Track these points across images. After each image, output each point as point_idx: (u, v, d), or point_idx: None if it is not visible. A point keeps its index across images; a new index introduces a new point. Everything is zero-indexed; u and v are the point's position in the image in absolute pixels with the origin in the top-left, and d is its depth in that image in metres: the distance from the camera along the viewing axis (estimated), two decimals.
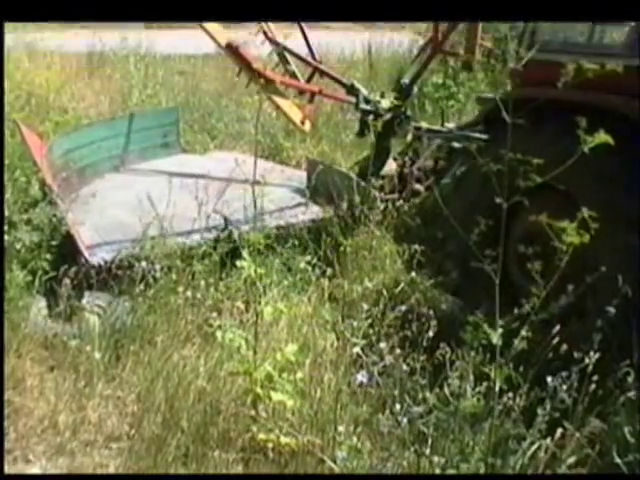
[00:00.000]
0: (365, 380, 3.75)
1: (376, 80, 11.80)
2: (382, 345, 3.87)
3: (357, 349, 4.12)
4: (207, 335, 4.80)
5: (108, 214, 6.73)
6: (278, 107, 7.97)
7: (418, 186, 7.17)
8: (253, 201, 6.03)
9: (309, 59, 8.02)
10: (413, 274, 5.44)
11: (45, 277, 5.32)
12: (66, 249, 5.79)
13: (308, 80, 7.97)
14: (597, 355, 3.49)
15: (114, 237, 6.13)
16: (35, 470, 4.04)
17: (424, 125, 7.48)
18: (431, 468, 3.41)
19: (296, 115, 8.00)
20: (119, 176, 8.09)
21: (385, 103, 7.45)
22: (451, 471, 3.25)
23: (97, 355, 4.59)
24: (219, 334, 4.39)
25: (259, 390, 4.22)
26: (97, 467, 4.02)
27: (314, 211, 6.88)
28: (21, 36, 12.22)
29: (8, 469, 3.96)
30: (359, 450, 3.60)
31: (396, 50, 14.45)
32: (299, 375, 4.26)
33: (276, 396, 4.17)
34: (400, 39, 14.53)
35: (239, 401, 4.30)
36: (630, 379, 3.73)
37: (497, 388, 2.43)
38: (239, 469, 4.02)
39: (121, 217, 6.59)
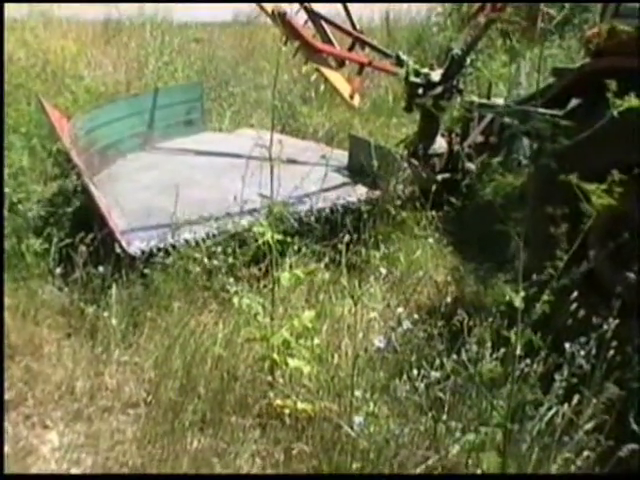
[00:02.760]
0: (383, 345, 3.74)
1: (394, 48, 11.68)
2: (400, 310, 3.85)
3: (374, 314, 4.10)
4: (224, 301, 4.78)
5: (137, 197, 6.28)
6: (326, 79, 7.53)
7: (470, 164, 6.91)
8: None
9: (349, 29, 7.51)
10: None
11: (60, 244, 5.29)
12: (81, 218, 5.74)
13: (348, 51, 7.55)
14: (616, 321, 3.46)
15: (146, 222, 5.68)
16: (53, 435, 4.07)
17: (476, 99, 7.11)
18: (448, 433, 3.41)
19: (345, 89, 7.48)
20: (144, 155, 7.71)
21: (435, 76, 7.04)
22: (470, 436, 3.24)
23: (114, 322, 4.60)
24: (236, 300, 4.39)
25: (276, 356, 4.22)
26: (114, 432, 4.04)
27: (361, 192, 6.45)
28: (35, 6, 12.17)
29: (27, 434, 4.00)
30: (376, 416, 3.59)
31: (413, 18, 14.29)
32: (316, 341, 4.25)
33: (293, 362, 4.17)
34: (418, 7, 14.37)
35: (256, 367, 4.31)
36: None
37: (517, 352, 2.39)
38: (256, 434, 4.02)
39: (151, 200, 6.13)
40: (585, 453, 3.32)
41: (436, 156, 6.93)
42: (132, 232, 5.53)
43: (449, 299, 3.92)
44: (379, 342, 3.76)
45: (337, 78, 7.41)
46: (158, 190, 6.27)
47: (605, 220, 3.87)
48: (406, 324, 3.69)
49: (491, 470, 3.07)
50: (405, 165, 6.37)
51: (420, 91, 6.95)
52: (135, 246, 5.27)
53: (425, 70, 7.09)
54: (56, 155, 6.42)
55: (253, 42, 11.92)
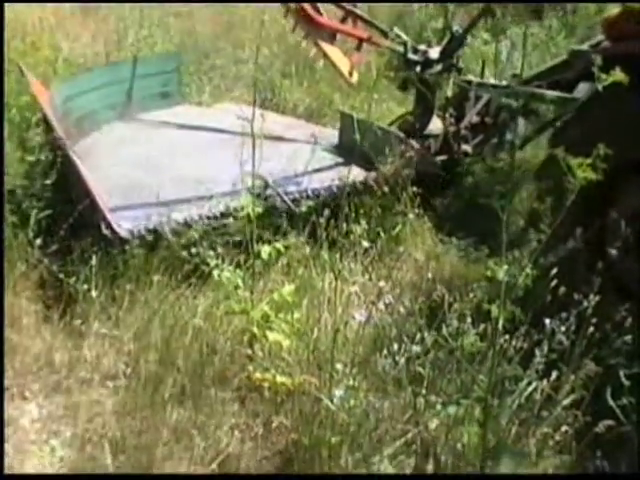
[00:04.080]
0: (363, 319, 3.75)
1: None
2: (381, 284, 3.86)
3: (355, 288, 4.11)
4: (204, 275, 4.77)
5: (117, 172, 5.96)
6: (325, 55, 7.20)
7: (466, 146, 6.71)
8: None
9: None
10: None
11: (40, 216, 5.23)
12: (60, 190, 5.67)
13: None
14: (597, 298, 3.48)
15: (130, 201, 5.41)
16: (32, 407, 4.06)
17: (474, 79, 6.86)
18: (428, 407, 3.43)
19: (345, 65, 7.12)
20: (122, 127, 7.38)
21: (434, 53, 6.78)
22: (450, 409, 3.26)
23: (94, 294, 4.58)
24: (216, 274, 4.38)
25: (255, 330, 4.23)
26: (93, 404, 4.03)
27: (355, 173, 5.91)
28: None
29: (6, 406, 3.98)
30: (356, 389, 3.61)
31: None
32: (296, 315, 4.26)
33: (272, 336, 4.18)
34: None
35: (235, 340, 4.31)
36: (627, 323, 3.73)
37: (500, 326, 2.40)
38: (235, 407, 4.04)
39: (133, 177, 5.83)
40: (563, 428, 3.36)
41: (432, 137, 6.72)
42: (119, 211, 5.22)
43: (430, 275, 3.93)
44: (360, 316, 3.77)
45: (336, 54, 7.17)
46: (139, 166, 6.04)
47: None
48: (387, 298, 3.71)
49: (471, 443, 3.10)
50: (407, 147, 6.09)
51: (418, 69, 6.71)
52: (124, 228, 5.00)
53: (422, 47, 6.88)
54: (35, 126, 6.32)
55: (233, 16, 11.79)
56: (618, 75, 2.58)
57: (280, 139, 6.59)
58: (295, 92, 9.59)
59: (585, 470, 3.43)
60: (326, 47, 7.05)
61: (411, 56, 6.78)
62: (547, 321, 3.44)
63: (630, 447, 3.65)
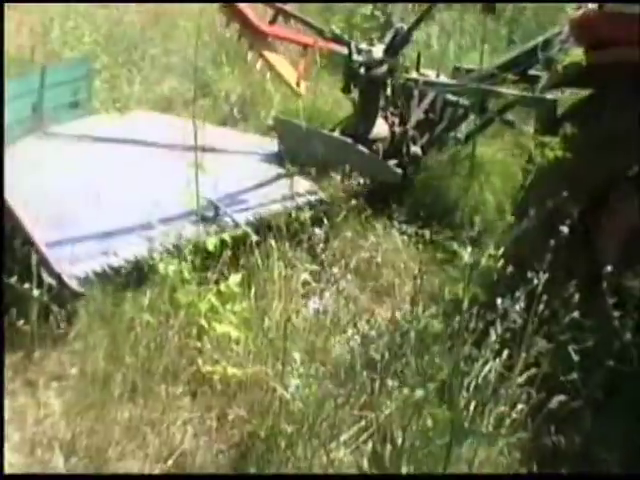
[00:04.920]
0: (317, 306, 3.72)
1: None
2: (335, 270, 3.83)
3: (306, 275, 4.07)
4: (149, 268, 4.67)
5: (43, 201, 4.90)
6: (271, 67, 6.75)
7: (415, 148, 6.34)
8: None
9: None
10: None
11: None
12: None
13: (270, 25, 6.68)
14: (546, 275, 3.50)
15: (64, 235, 4.62)
16: None
17: (420, 76, 6.48)
18: (385, 391, 3.42)
19: (291, 75, 6.68)
20: (35, 144, 6.52)
21: (377, 52, 6.30)
22: (407, 393, 3.26)
23: (35, 292, 4.45)
24: (161, 267, 4.31)
25: (203, 322, 4.18)
26: (41, 406, 3.94)
27: (304, 186, 5.57)
28: None
29: None
30: (311, 377, 3.58)
31: None
32: (244, 305, 4.22)
33: (220, 327, 4.14)
34: None
35: (183, 334, 4.24)
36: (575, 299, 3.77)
37: (465, 306, 2.38)
38: (187, 402, 3.99)
39: (60, 204, 4.95)
40: (519, 406, 3.38)
41: (378, 141, 6.28)
42: (56, 248, 4.49)
43: (380, 259, 3.92)
44: (314, 304, 3.75)
45: (283, 64, 6.78)
46: (63, 190, 5.21)
47: None
48: (341, 284, 3.69)
49: (430, 426, 3.10)
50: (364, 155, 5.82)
51: (362, 70, 6.23)
52: (72, 275, 4.39)
53: (364, 46, 6.41)
54: None
55: (162, 7, 11.62)
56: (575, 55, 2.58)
57: (216, 151, 6.08)
58: (227, 81, 9.47)
59: (540, 446, 3.47)
60: (271, 57, 6.69)
61: (356, 57, 6.31)
62: (499, 300, 3.45)
63: (583, 422, 3.73)
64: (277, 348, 3.82)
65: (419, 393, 3.16)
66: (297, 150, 5.80)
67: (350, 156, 5.82)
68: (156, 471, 3.63)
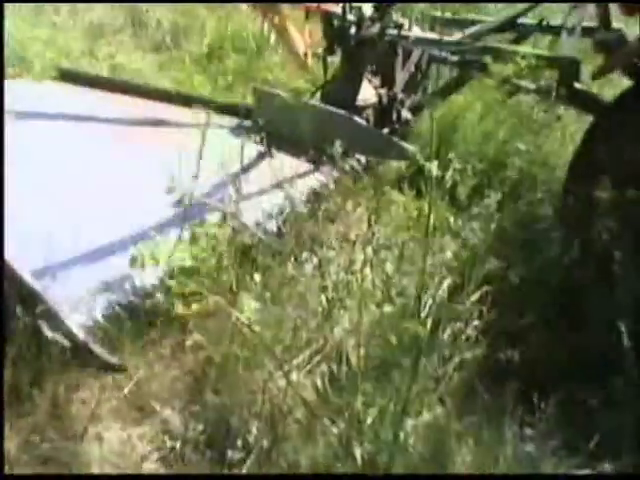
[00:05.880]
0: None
1: None
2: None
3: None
4: None
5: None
6: (281, 33, 6.14)
7: (405, 112, 5.73)
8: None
9: None
10: None
11: None
12: None
13: None
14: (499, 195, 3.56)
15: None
16: None
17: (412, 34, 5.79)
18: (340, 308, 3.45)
19: (300, 45, 6.03)
20: None
21: (367, 9, 5.70)
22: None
23: None
24: None
25: None
26: None
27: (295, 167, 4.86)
28: None
29: None
30: (266, 299, 3.60)
31: None
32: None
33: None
34: None
35: None
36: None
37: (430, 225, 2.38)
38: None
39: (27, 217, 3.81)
40: (474, 323, 3.45)
41: (366, 108, 5.65)
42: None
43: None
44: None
45: (294, 32, 6.09)
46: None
47: None
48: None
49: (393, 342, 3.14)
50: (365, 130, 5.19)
51: (353, 30, 5.60)
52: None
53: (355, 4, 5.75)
54: None
55: None
56: None
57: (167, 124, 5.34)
58: (158, 9, 9.19)
59: (496, 360, 3.57)
60: (279, 21, 6.01)
61: (350, 17, 5.66)
62: (451, 219, 3.51)
63: (534, 337, 3.85)
64: (233, 273, 3.81)
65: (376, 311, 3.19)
66: (279, 125, 4.96)
67: (346, 131, 4.91)
68: (113, 402, 3.60)
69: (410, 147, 5.00)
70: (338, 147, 4.13)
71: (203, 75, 7.27)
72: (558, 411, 3.32)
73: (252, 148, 4.66)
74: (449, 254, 3.40)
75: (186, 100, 5.72)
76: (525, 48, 5.21)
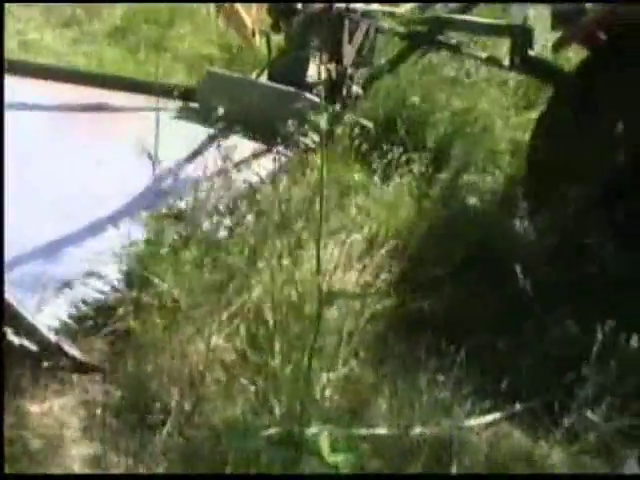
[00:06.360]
0: None
1: None
2: None
3: None
4: None
5: None
6: (229, 13, 5.94)
7: (356, 87, 5.60)
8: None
9: None
10: None
11: None
12: None
13: None
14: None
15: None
16: None
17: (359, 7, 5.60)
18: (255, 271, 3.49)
19: (247, 22, 5.83)
20: None
21: None
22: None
23: None
24: None
25: None
26: None
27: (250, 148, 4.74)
28: None
29: None
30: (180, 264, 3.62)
31: None
32: None
33: None
34: None
35: None
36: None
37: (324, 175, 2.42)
38: None
39: None
40: (383, 276, 3.54)
41: (318, 84, 5.43)
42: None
43: None
44: None
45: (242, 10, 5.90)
46: None
47: None
48: None
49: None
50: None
51: (299, 5, 5.46)
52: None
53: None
54: None
55: None
56: None
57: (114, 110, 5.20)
58: None
59: (406, 310, 3.65)
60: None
61: None
62: (356, 176, 3.57)
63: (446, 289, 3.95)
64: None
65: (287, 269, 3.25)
66: (228, 105, 4.70)
67: (299, 109, 4.55)
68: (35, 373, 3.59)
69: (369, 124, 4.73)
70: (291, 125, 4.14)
71: (116, 48, 7.16)
72: (470, 358, 3.43)
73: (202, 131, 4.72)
74: (353, 211, 3.47)
75: (128, 84, 5.60)
76: (475, 18, 5.21)
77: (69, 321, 3.54)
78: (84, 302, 3.63)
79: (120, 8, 7.50)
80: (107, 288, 3.71)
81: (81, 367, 3.46)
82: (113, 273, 3.75)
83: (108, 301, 3.69)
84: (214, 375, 3.49)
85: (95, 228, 4.00)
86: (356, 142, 4.00)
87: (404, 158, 4.32)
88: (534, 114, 5.37)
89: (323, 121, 2.11)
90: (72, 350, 3.41)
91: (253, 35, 5.94)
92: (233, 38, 6.07)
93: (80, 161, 4.11)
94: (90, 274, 3.71)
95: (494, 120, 5.57)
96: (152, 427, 3.22)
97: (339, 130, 2.89)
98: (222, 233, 3.92)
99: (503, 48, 5.49)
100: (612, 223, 4.13)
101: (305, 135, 4.31)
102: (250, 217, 3.96)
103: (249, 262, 3.75)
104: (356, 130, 3.21)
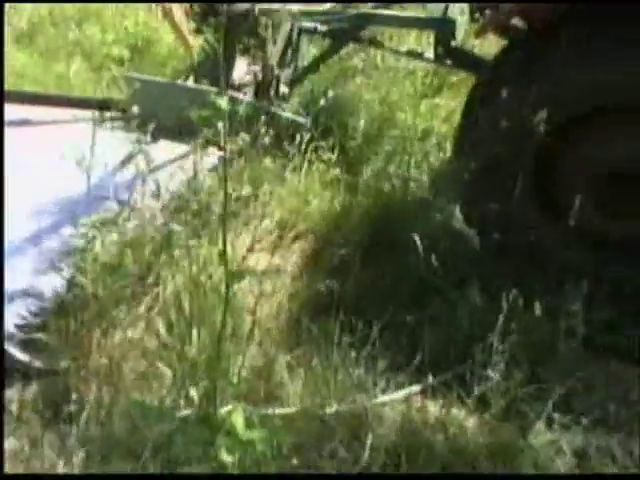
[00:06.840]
0: None
1: None
2: None
3: None
4: None
5: None
6: (167, 12, 5.83)
7: (283, 87, 5.64)
8: None
9: None
10: None
11: None
12: None
13: None
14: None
15: None
16: None
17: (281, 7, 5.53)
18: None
19: (184, 26, 5.77)
20: None
21: None
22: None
23: None
24: None
25: None
26: None
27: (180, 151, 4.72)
28: None
29: None
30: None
31: None
32: None
33: None
34: None
35: None
36: None
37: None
38: None
39: None
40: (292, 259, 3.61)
41: (245, 85, 5.58)
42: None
43: None
44: None
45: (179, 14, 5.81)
46: None
47: None
48: None
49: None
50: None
51: (224, 5, 5.32)
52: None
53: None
54: None
55: None
56: None
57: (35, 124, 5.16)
58: None
59: (317, 291, 3.72)
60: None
61: None
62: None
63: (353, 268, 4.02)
64: None
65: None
66: (155, 110, 4.80)
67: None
68: None
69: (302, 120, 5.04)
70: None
71: (26, 52, 7.05)
72: (383, 335, 3.51)
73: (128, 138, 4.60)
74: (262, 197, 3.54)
75: (49, 99, 5.57)
76: (398, 12, 5.29)
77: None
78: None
79: (25, 11, 7.37)
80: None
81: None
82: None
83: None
84: (132, 365, 3.51)
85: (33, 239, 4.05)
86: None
87: (313, 146, 4.41)
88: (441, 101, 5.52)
89: (224, 103, 2.16)
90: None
91: (190, 36, 5.86)
92: (140, 37, 6.12)
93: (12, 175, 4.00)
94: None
95: (403, 108, 5.68)
96: (68, 420, 3.23)
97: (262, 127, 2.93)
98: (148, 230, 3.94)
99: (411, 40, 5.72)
100: (539, 192, 4.18)
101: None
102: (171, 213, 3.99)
103: (166, 254, 3.78)
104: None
